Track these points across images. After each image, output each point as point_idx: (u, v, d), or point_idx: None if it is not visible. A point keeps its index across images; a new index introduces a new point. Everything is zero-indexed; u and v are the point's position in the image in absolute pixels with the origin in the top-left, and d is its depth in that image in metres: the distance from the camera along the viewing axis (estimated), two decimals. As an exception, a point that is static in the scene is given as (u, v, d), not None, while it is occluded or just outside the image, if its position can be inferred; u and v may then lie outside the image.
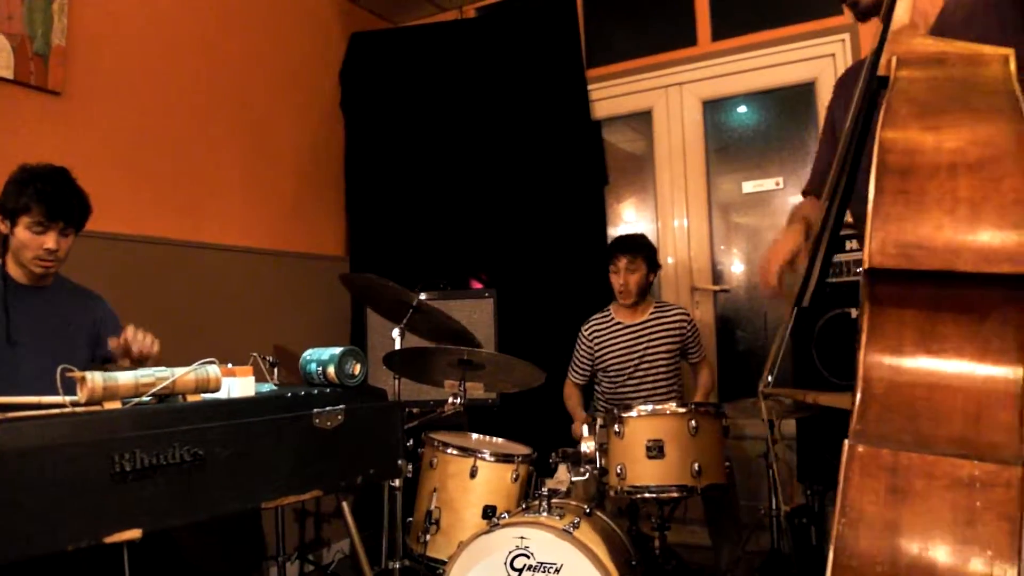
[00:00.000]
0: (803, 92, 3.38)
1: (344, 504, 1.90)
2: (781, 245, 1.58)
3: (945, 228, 0.88)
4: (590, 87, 3.64)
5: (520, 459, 2.35)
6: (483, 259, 3.61)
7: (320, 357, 1.58)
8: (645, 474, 2.20)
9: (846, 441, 0.91)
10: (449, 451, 2.34)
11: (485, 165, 3.64)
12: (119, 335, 2.12)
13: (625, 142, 3.86)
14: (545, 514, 2.04)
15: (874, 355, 0.94)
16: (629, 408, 2.27)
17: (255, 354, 1.84)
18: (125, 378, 1.20)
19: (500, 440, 2.60)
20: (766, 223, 3.51)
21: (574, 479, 2.35)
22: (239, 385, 1.45)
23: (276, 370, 2.39)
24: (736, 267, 3.59)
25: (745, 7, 3.48)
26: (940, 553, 0.83)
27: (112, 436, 1.12)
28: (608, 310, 3.06)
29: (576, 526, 1.96)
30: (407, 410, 2.72)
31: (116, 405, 1.18)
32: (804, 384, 2.53)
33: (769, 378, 1.61)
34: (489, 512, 2.25)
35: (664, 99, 3.65)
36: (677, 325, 2.96)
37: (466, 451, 2.34)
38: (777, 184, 3.43)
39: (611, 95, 3.72)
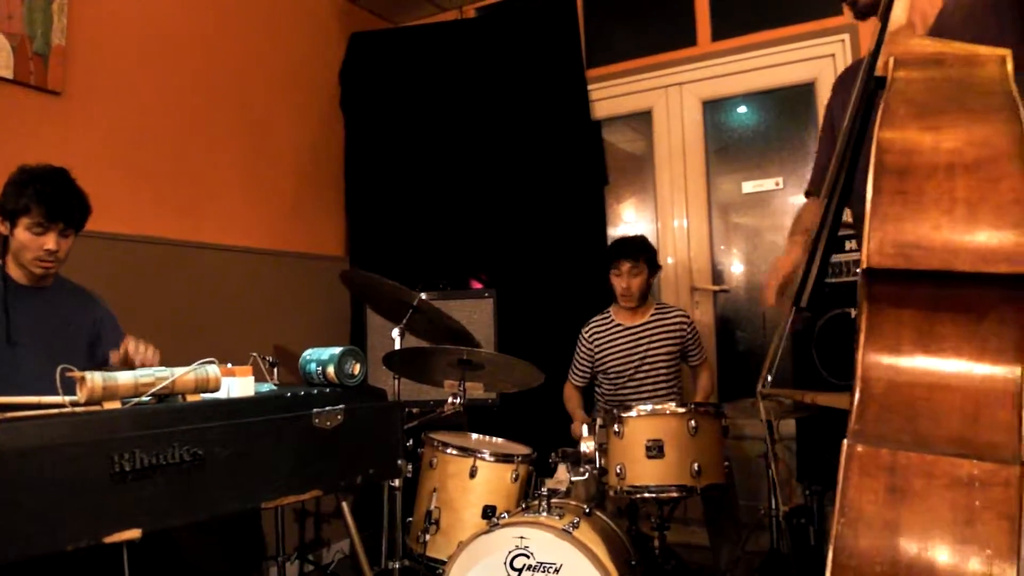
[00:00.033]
0: (803, 92, 3.38)
1: (344, 504, 1.90)
2: (781, 262, 1.59)
3: (943, 228, 0.88)
4: (590, 87, 3.64)
5: (520, 459, 2.35)
6: (483, 259, 3.61)
7: (320, 357, 1.58)
8: (645, 474, 2.20)
9: (845, 441, 0.91)
10: (449, 451, 2.34)
11: (485, 165, 3.64)
12: (118, 336, 2.12)
13: (625, 142, 3.86)
14: (545, 514, 2.04)
15: (872, 355, 0.94)
16: (629, 408, 2.27)
17: (255, 354, 1.84)
18: (125, 378, 1.20)
19: (500, 440, 2.60)
20: (766, 223, 3.51)
21: (574, 479, 2.35)
22: (239, 385, 1.46)
23: (276, 370, 2.39)
24: (736, 267, 3.59)
25: (745, 7, 3.48)
26: (939, 552, 0.83)
27: (112, 436, 1.12)
28: (608, 312, 3.06)
29: (576, 526, 1.96)
30: (407, 410, 2.71)
31: (116, 405, 1.19)
32: (804, 384, 2.52)
33: (769, 377, 1.61)
34: (489, 512, 2.25)
35: (664, 99, 3.65)
36: (677, 327, 2.96)
37: (466, 451, 2.34)
38: (777, 184, 3.43)
39: (611, 95, 3.72)
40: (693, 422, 2.20)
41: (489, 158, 3.63)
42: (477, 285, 3.51)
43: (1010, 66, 1.01)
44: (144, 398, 1.23)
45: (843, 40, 3.23)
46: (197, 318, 2.95)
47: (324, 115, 3.78)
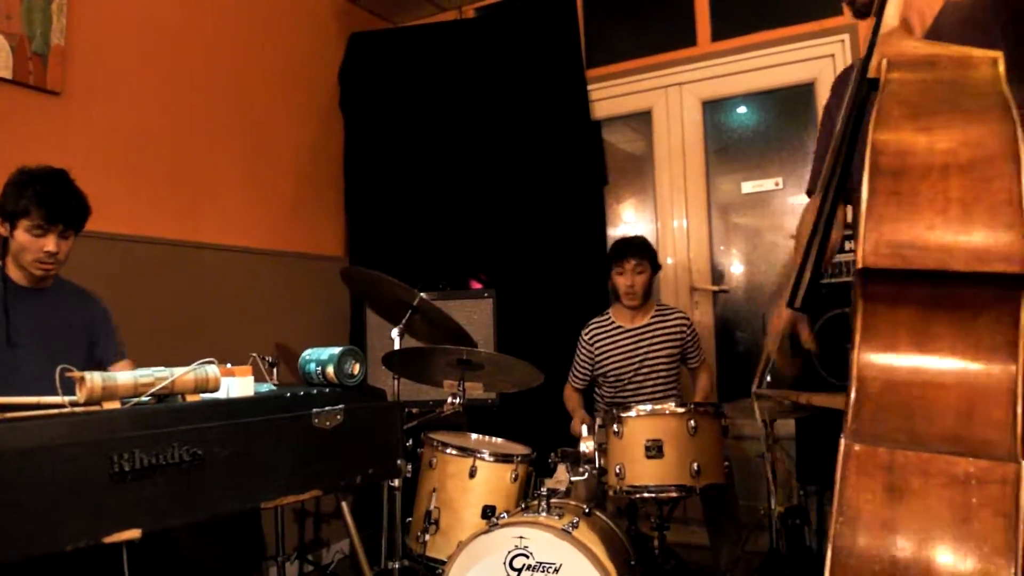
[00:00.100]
0: (803, 92, 3.38)
1: (343, 504, 1.90)
2: (776, 321, 1.59)
3: (937, 228, 0.89)
4: (590, 87, 3.64)
5: (519, 459, 2.35)
6: (482, 259, 3.61)
7: (319, 357, 1.58)
8: (644, 474, 2.20)
9: (842, 440, 0.91)
10: (448, 451, 2.34)
11: (485, 165, 3.64)
12: (112, 338, 2.13)
13: (625, 142, 3.86)
14: (544, 514, 2.04)
15: (868, 354, 0.95)
16: (628, 408, 2.27)
17: (254, 354, 1.84)
18: (124, 378, 1.20)
19: (499, 440, 2.60)
20: (765, 223, 3.51)
21: (573, 479, 2.35)
22: (238, 385, 1.46)
23: (275, 370, 2.39)
24: (735, 268, 3.59)
25: (745, 7, 3.48)
26: (937, 550, 0.84)
27: (111, 436, 1.12)
28: (607, 313, 3.06)
29: (575, 526, 1.96)
30: (406, 410, 2.71)
31: (115, 405, 1.19)
32: (804, 385, 2.52)
33: (768, 378, 1.61)
34: (488, 512, 2.25)
35: (664, 99, 3.65)
36: (677, 329, 2.96)
37: (465, 451, 2.34)
38: (776, 184, 3.44)
39: (611, 95, 3.72)
40: (692, 422, 2.20)
41: (489, 158, 3.63)
42: (477, 285, 3.51)
43: (1002, 67, 1.02)
44: (143, 398, 1.23)
45: (843, 40, 3.23)
46: (197, 318, 2.95)
47: (324, 115, 3.78)
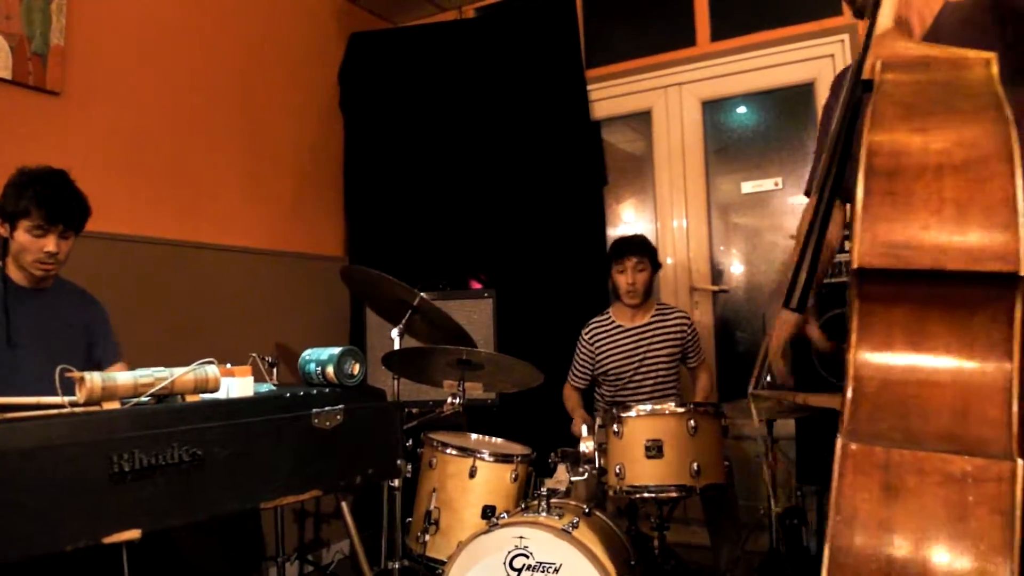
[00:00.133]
0: (802, 92, 3.39)
1: (343, 504, 1.90)
2: (781, 327, 1.59)
3: (932, 228, 0.90)
4: (589, 87, 3.64)
5: (519, 459, 2.35)
6: (482, 259, 3.61)
7: (319, 357, 1.58)
8: (644, 474, 2.20)
9: (838, 439, 0.92)
10: (448, 451, 2.34)
11: (484, 165, 3.64)
12: (108, 340, 2.13)
13: (624, 142, 3.86)
14: (544, 514, 2.04)
15: (864, 354, 0.95)
16: (628, 408, 2.27)
17: (254, 354, 1.84)
18: (124, 378, 1.20)
19: (499, 440, 2.60)
20: (765, 223, 3.51)
21: (573, 479, 2.35)
22: (238, 385, 1.46)
23: (275, 370, 2.39)
24: (735, 267, 3.59)
25: (744, 7, 3.48)
26: (934, 548, 0.84)
27: (111, 436, 1.12)
28: (608, 313, 3.06)
29: (575, 526, 1.96)
30: (406, 410, 2.71)
31: (115, 405, 1.19)
32: (803, 385, 2.52)
33: (767, 378, 1.61)
34: (488, 512, 2.25)
35: (663, 99, 3.65)
36: (678, 328, 2.96)
37: (465, 451, 2.34)
38: (776, 184, 3.44)
39: (610, 95, 3.72)
40: (692, 422, 2.20)
41: (488, 158, 3.63)
42: (476, 285, 3.51)
43: (995, 68, 1.03)
44: (143, 398, 1.23)
45: (842, 40, 3.23)
46: (196, 318, 2.95)
47: (324, 115, 3.78)
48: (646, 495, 2.20)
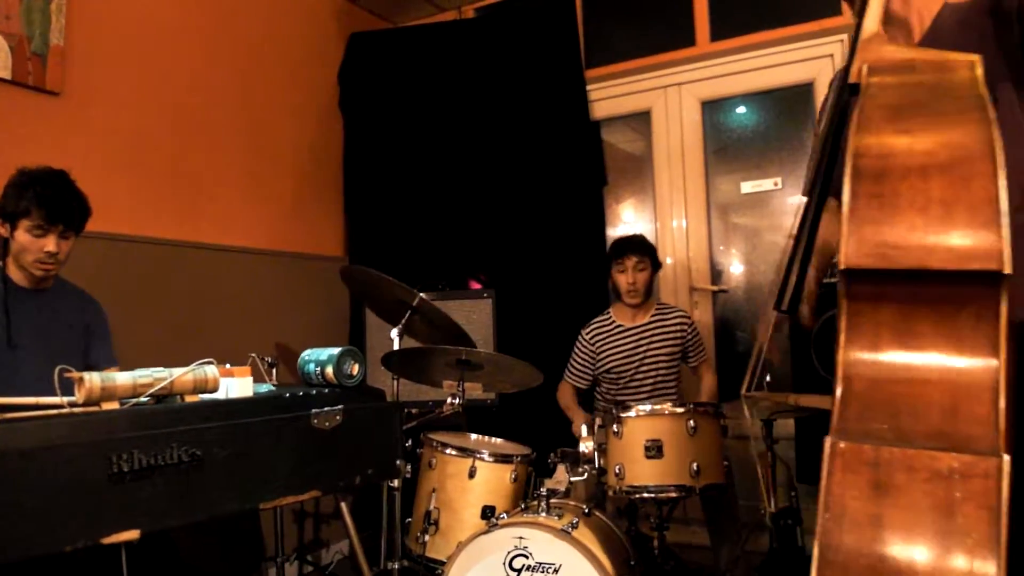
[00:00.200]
0: (802, 92, 3.38)
1: (343, 505, 1.90)
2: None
3: (918, 228, 0.91)
4: (589, 87, 3.64)
5: (519, 459, 2.35)
6: (482, 259, 3.61)
7: (318, 357, 1.58)
8: (643, 474, 2.20)
9: (827, 438, 0.93)
10: (448, 451, 2.34)
11: (484, 165, 3.64)
12: (108, 341, 2.13)
13: (624, 142, 3.86)
14: (544, 514, 2.04)
15: (853, 353, 0.96)
16: (627, 408, 2.27)
17: (253, 354, 1.84)
18: (123, 379, 1.20)
19: (499, 440, 2.60)
20: (765, 223, 3.51)
21: (573, 479, 2.35)
22: (237, 385, 1.45)
23: (274, 370, 2.39)
24: (735, 267, 3.59)
25: (744, 8, 3.48)
26: (923, 544, 0.85)
27: (110, 437, 1.12)
28: (608, 313, 3.06)
29: (575, 526, 1.96)
30: (406, 410, 2.71)
31: (114, 406, 1.18)
32: (803, 386, 2.53)
33: (768, 378, 1.61)
34: (488, 512, 2.25)
35: (663, 99, 3.65)
36: (678, 327, 2.97)
37: (465, 451, 2.34)
38: (776, 184, 3.44)
39: (610, 95, 3.72)
40: (692, 422, 2.20)
41: (488, 158, 3.63)
42: (476, 285, 3.51)
43: (980, 70, 1.04)
44: (142, 399, 1.23)
45: (842, 40, 3.24)
46: (196, 318, 2.95)
47: (323, 115, 3.78)
48: (646, 495, 2.20)
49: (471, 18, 4.03)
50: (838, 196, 0.98)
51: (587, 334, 3.04)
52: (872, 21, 1.18)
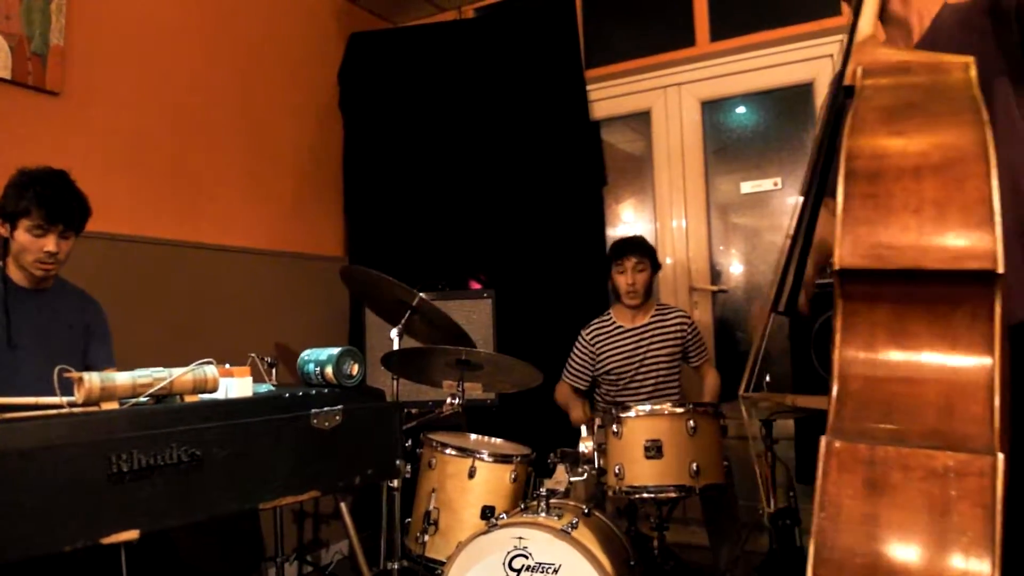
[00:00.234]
0: (801, 93, 3.39)
1: (342, 505, 1.90)
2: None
3: (912, 228, 0.92)
4: (589, 87, 3.64)
5: (519, 459, 2.35)
6: (482, 260, 3.61)
7: (318, 357, 1.58)
8: (643, 474, 2.20)
9: (823, 437, 0.93)
10: (447, 451, 2.34)
11: (484, 166, 3.64)
12: (107, 342, 2.13)
13: (624, 142, 3.86)
14: (543, 514, 2.04)
15: (848, 353, 0.97)
16: (627, 408, 2.27)
17: (253, 355, 1.84)
18: (122, 379, 1.20)
19: (499, 440, 2.60)
20: (764, 224, 3.51)
21: (572, 479, 2.35)
22: (237, 386, 1.45)
23: (274, 370, 2.39)
24: (735, 268, 3.59)
25: (744, 8, 3.48)
26: (918, 542, 0.86)
27: (109, 437, 1.12)
28: (608, 313, 3.07)
29: (574, 526, 1.96)
30: (405, 410, 2.71)
31: (113, 406, 1.18)
32: (803, 386, 2.53)
33: (768, 378, 1.61)
34: (487, 512, 2.25)
35: (663, 99, 3.65)
36: (678, 328, 2.97)
37: (464, 451, 2.34)
38: (775, 184, 3.44)
39: (610, 95, 3.72)
40: (692, 422, 2.20)
41: (488, 158, 3.63)
42: (476, 285, 3.51)
43: (973, 72, 1.05)
44: (142, 399, 1.23)
45: (842, 40, 3.22)
46: (196, 318, 2.95)
47: (323, 115, 3.78)
48: (645, 495, 2.20)
49: (471, 18, 4.03)
50: (834, 196, 0.99)
51: (587, 335, 3.04)
52: (866, 24, 1.19)
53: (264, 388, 1.61)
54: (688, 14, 3.57)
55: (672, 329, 2.96)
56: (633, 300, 2.94)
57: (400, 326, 2.40)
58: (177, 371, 1.26)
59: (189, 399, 1.28)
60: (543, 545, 1.91)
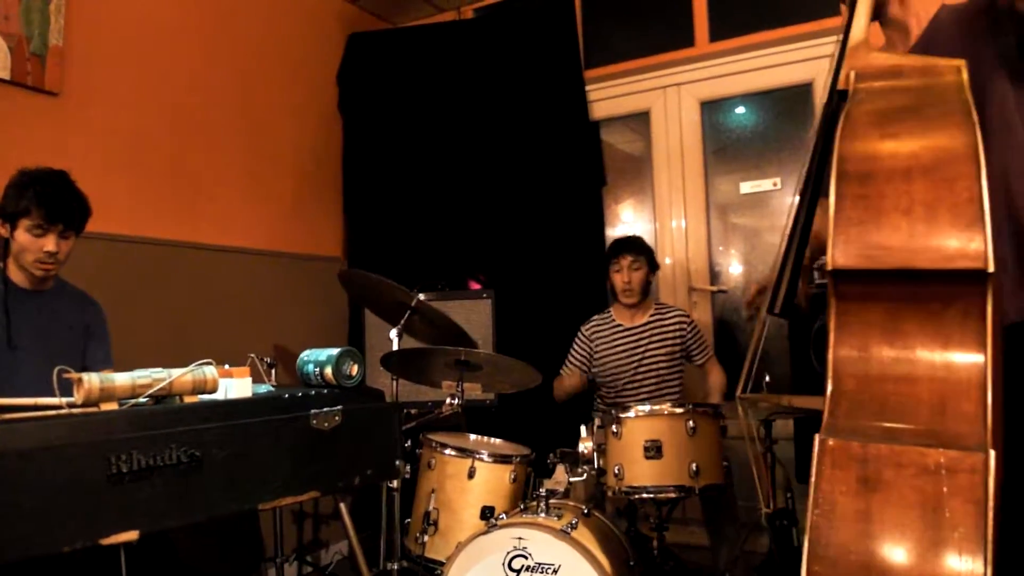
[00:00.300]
0: (801, 93, 3.39)
1: (342, 505, 1.90)
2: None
3: (903, 229, 0.93)
4: (588, 88, 3.64)
5: (518, 460, 2.35)
6: (481, 260, 3.61)
7: (317, 358, 1.58)
8: (643, 474, 2.20)
9: (817, 436, 0.94)
10: (447, 452, 2.34)
11: (483, 166, 3.64)
12: (106, 342, 2.13)
13: (623, 143, 3.86)
14: (543, 515, 2.04)
15: (842, 352, 0.98)
16: (627, 408, 2.27)
17: (252, 355, 1.84)
18: (122, 379, 1.20)
19: (498, 441, 2.60)
20: (764, 224, 3.52)
21: (572, 480, 2.35)
22: (236, 386, 1.46)
23: (273, 371, 2.39)
24: (734, 268, 3.60)
25: (743, 8, 3.48)
26: (911, 538, 0.87)
27: (109, 437, 1.12)
28: (609, 312, 3.07)
29: (574, 527, 1.96)
30: (405, 411, 2.71)
31: (113, 406, 1.19)
32: (803, 386, 2.53)
33: (768, 379, 1.61)
34: (487, 513, 2.25)
35: (662, 100, 3.65)
36: (676, 327, 2.97)
37: (464, 452, 2.34)
38: (775, 185, 3.44)
39: (609, 96, 3.73)
40: (691, 422, 2.20)
41: (487, 159, 3.63)
42: (475, 286, 3.51)
43: (965, 75, 1.06)
44: (141, 399, 1.23)
45: (835, 44, 3.23)
46: (195, 319, 2.95)
47: (323, 116, 3.78)
48: (645, 496, 2.20)
49: (470, 19, 4.04)
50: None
51: (587, 330, 3.05)
52: (859, 28, 1.20)
53: (263, 389, 1.61)
54: (687, 14, 3.57)
55: (671, 329, 2.96)
56: (629, 299, 2.94)
57: (399, 326, 2.40)
58: (176, 372, 1.27)
59: (188, 400, 1.28)
60: (543, 545, 1.91)
